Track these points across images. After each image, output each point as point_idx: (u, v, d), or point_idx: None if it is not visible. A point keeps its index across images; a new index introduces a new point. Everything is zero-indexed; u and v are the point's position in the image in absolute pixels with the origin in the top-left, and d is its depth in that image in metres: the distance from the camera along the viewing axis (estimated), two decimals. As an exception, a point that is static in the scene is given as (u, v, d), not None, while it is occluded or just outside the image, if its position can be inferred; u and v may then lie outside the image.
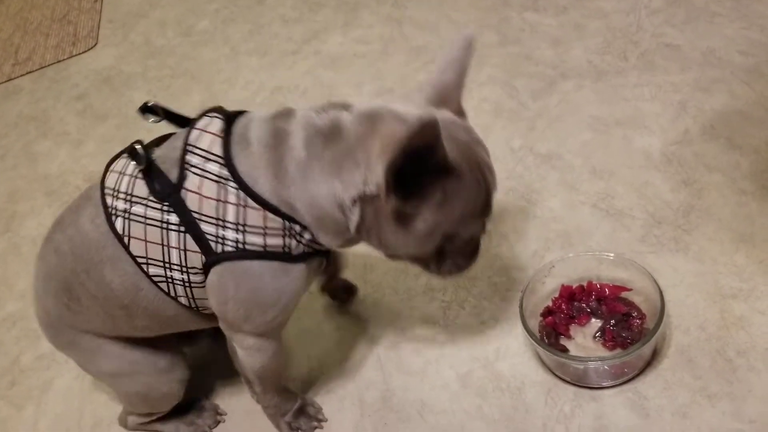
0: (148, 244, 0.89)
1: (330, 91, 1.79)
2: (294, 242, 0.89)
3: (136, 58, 2.18)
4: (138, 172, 0.91)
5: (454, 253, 0.93)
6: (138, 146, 0.91)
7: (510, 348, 1.12)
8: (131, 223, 0.89)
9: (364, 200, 0.84)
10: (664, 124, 1.42)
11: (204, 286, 0.91)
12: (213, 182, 0.86)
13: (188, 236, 0.87)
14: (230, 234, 0.86)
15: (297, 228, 0.88)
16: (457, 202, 0.85)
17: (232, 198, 0.86)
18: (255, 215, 0.86)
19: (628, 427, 0.98)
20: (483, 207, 0.89)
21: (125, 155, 0.94)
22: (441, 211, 0.84)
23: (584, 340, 1.07)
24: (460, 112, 0.92)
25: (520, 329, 1.08)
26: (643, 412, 0.99)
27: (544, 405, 1.03)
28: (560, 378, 1.05)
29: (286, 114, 0.89)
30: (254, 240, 0.86)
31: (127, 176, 0.92)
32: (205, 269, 0.89)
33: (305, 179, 0.85)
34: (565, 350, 1.05)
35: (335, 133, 0.85)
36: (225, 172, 0.86)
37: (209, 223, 0.86)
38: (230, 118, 0.91)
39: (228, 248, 0.87)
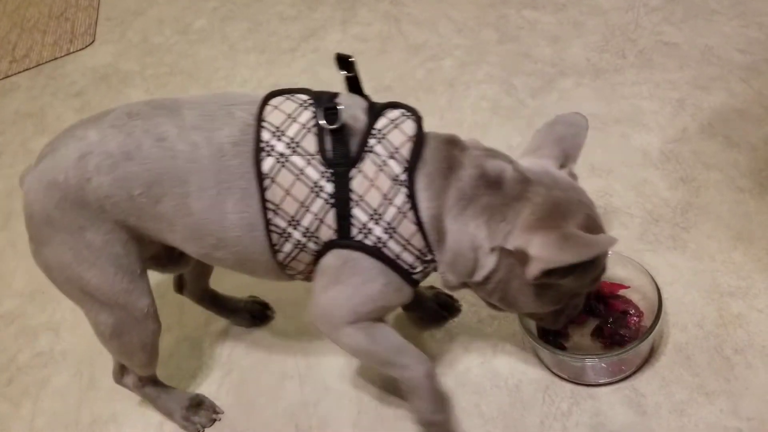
0: (288, 196, 0.88)
1: (328, 88, 1.78)
2: (420, 266, 0.92)
3: (134, 56, 2.18)
4: (314, 126, 0.89)
5: (570, 307, 0.98)
6: (341, 107, 0.89)
7: (507, 346, 1.12)
8: (283, 169, 0.88)
9: (502, 252, 0.87)
10: (663, 122, 1.42)
11: (313, 255, 0.91)
12: (389, 179, 0.87)
13: (333, 211, 0.88)
14: (378, 230, 0.88)
15: (429, 257, 0.91)
16: (589, 272, 0.90)
17: (398, 202, 0.88)
18: (407, 227, 0.88)
19: (626, 425, 0.98)
20: (603, 268, 0.94)
21: (301, 100, 0.92)
22: (576, 281, 0.90)
23: (582, 338, 1.07)
24: (572, 176, 0.96)
25: (517, 327, 1.08)
26: (641, 410, 0.99)
27: (541, 402, 1.03)
28: (558, 376, 1.05)
29: (458, 143, 0.92)
30: (393, 247, 0.89)
31: (298, 124, 0.90)
32: (327, 245, 0.90)
33: (460, 214, 0.88)
34: (562, 348, 1.05)
35: (498, 183, 0.89)
36: (404, 177, 0.88)
37: (364, 211, 0.88)
38: (421, 124, 0.92)
39: (368, 241, 0.88)
